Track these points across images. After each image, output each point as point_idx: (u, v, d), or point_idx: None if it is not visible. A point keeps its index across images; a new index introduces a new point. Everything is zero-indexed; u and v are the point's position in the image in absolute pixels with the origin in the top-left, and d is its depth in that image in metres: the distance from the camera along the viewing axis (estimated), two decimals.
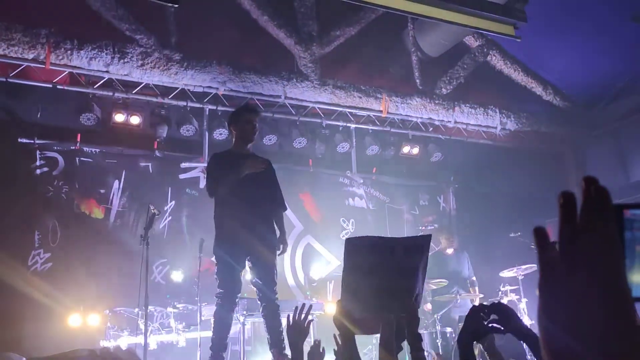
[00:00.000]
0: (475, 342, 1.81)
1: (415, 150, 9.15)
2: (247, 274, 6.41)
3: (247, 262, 5.17)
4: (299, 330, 2.79)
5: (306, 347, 2.94)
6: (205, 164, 8.21)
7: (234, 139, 5.33)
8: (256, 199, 5.07)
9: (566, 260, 0.51)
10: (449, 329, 7.35)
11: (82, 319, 6.49)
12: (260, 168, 4.99)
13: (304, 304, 2.88)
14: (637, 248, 0.53)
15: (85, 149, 7.48)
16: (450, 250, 8.34)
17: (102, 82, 7.23)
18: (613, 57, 7.87)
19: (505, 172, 9.18)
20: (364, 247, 2.55)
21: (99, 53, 6.75)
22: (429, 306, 7.78)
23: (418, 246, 2.69)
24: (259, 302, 5.16)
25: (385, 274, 2.53)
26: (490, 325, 1.76)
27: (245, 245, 5.02)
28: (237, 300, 5.13)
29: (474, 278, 8.22)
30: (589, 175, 0.53)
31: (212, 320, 5.12)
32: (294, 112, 8.39)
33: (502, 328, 1.73)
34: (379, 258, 2.52)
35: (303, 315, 2.80)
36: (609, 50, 7.75)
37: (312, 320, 2.88)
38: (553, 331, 0.51)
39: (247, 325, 6.87)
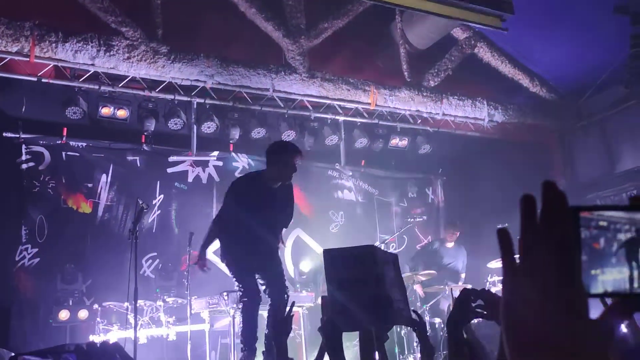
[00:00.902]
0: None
1: (404, 143, 9.18)
2: None
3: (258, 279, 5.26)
4: (283, 326, 2.80)
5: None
6: (194, 157, 8.20)
7: (271, 169, 5.14)
8: (270, 226, 5.17)
9: (526, 260, 0.55)
10: (437, 320, 7.42)
11: (70, 313, 6.46)
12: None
13: (286, 299, 2.89)
14: (594, 246, 0.57)
15: (71, 143, 7.41)
16: (451, 244, 8.42)
17: (87, 75, 7.16)
18: (597, 48, 7.94)
19: (493, 163, 9.24)
20: (341, 258, 2.61)
21: (85, 46, 6.68)
22: (420, 288, 7.81)
23: (389, 260, 2.76)
24: (268, 297, 5.22)
25: (365, 284, 2.57)
26: (476, 309, 1.80)
27: (255, 264, 5.13)
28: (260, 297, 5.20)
29: (464, 275, 8.32)
30: (548, 179, 0.57)
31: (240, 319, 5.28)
32: (282, 105, 8.38)
33: (485, 313, 1.78)
34: (358, 268, 2.57)
35: (286, 313, 2.81)
36: (593, 41, 7.81)
37: (293, 315, 2.89)
38: (514, 325, 0.55)
39: (237, 318, 6.88)
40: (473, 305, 1.81)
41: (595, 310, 0.58)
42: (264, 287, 5.21)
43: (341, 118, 8.83)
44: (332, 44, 8.28)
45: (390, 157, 9.54)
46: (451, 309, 1.96)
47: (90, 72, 7.13)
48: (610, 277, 0.57)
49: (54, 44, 6.52)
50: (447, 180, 10.18)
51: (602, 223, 0.57)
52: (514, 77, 9.22)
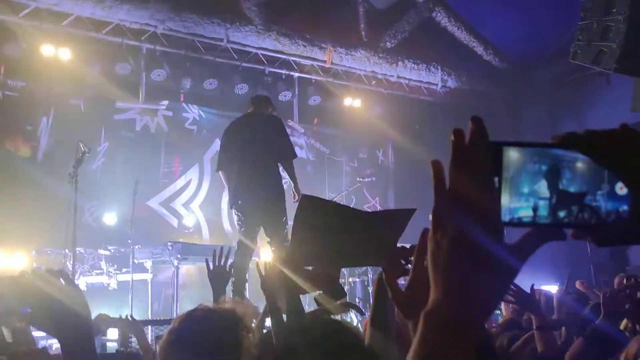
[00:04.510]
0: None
1: (357, 103, 9.19)
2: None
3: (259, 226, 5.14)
4: (220, 274, 2.79)
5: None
6: (143, 105, 7.96)
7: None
8: (259, 155, 5.04)
9: (452, 188, 0.60)
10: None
11: (6, 258, 6.25)
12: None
13: (222, 248, 2.87)
14: (508, 176, 0.61)
15: (9, 82, 7.03)
16: None
17: (28, 10, 6.74)
18: (549, 21, 8.09)
19: (443, 129, 9.39)
20: (324, 209, 2.52)
21: None
22: None
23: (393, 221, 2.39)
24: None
25: (347, 235, 2.50)
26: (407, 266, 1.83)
27: (256, 211, 4.99)
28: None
29: None
30: (476, 115, 0.61)
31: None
32: (236, 57, 8.19)
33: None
34: (342, 222, 2.49)
35: (223, 260, 2.80)
36: (545, 14, 7.95)
37: (232, 263, 2.88)
38: (438, 249, 0.60)
39: (182, 269, 6.86)
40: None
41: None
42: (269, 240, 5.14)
43: (296, 74, 8.73)
44: None
45: (343, 116, 9.54)
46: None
47: (32, 7, 6.71)
48: (518, 205, 0.61)
49: None
50: (398, 143, 10.29)
51: (519, 156, 0.61)
52: (468, 44, 9.32)
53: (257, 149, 5.03)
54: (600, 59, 5.22)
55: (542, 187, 0.60)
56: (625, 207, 0.59)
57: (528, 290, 2.63)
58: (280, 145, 5.15)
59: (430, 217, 0.62)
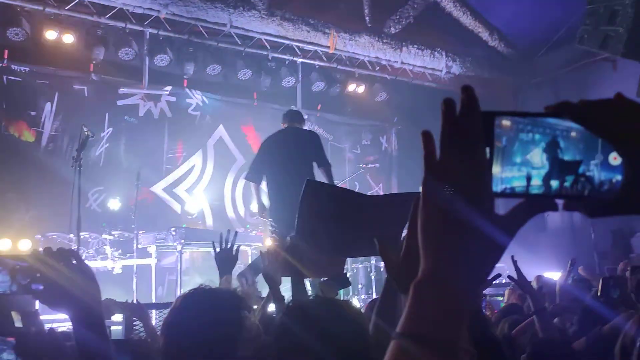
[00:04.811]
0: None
1: (361, 89, 9.15)
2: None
3: None
4: (226, 257, 2.79)
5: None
6: (146, 90, 7.94)
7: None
8: (301, 169, 5.17)
9: (442, 156, 0.60)
10: (383, 263, 7.64)
11: (12, 243, 6.30)
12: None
13: (228, 231, 2.86)
14: (497, 144, 0.60)
15: (13, 67, 7.02)
16: None
17: None
18: (555, 5, 8.01)
19: None
20: (327, 195, 2.51)
21: None
22: None
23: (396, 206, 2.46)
24: None
25: (351, 223, 2.50)
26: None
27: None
28: None
29: None
30: (466, 84, 0.60)
31: None
32: (239, 43, 8.15)
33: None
34: (345, 209, 2.49)
35: (229, 244, 2.80)
36: None
37: (239, 246, 2.88)
38: (428, 218, 0.60)
39: (186, 255, 6.89)
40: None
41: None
42: None
43: (299, 60, 8.68)
44: None
45: (346, 103, 9.51)
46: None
47: None
48: (510, 175, 0.60)
49: None
50: (402, 130, 10.27)
51: (511, 125, 0.60)
52: (474, 30, 9.23)
53: (298, 163, 5.25)
54: (608, 44, 5.17)
55: (535, 157, 0.60)
56: (618, 177, 0.58)
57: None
58: (320, 160, 5.46)
59: (420, 187, 0.61)
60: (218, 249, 2.81)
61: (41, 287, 1.17)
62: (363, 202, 2.67)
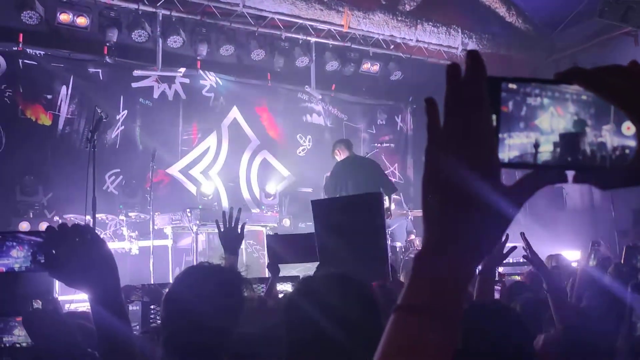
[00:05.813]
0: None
1: (375, 68, 9.04)
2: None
3: None
4: (231, 235, 2.75)
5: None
6: (160, 72, 7.94)
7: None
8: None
9: (447, 122, 0.57)
10: (398, 244, 7.61)
11: (31, 226, 6.39)
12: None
13: (231, 208, 2.80)
14: (503, 109, 0.57)
15: (28, 50, 7.06)
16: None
17: None
18: None
19: None
20: (328, 208, 2.77)
21: None
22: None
23: (369, 203, 2.90)
24: None
25: (354, 233, 2.68)
26: None
27: None
28: None
29: None
30: (472, 49, 0.58)
31: None
32: (252, 23, 8.08)
33: None
34: (344, 216, 2.69)
35: (234, 221, 2.75)
36: None
37: (245, 223, 2.84)
38: (438, 164, 0.57)
39: (202, 236, 6.94)
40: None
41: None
42: None
43: (313, 39, 8.60)
44: None
45: (361, 82, 9.42)
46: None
47: None
48: (518, 142, 0.57)
49: None
50: (417, 109, 10.15)
51: (519, 91, 0.57)
52: (490, 5, 9.03)
53: (364, 187, 5.83)
54: (629, 16, 5.02)
55: (544, 122, 0.56)
56: (632, 146, 0.55)
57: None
58: (384, 184, 6.19)
59: (423, 157, 0.58)
60: (222, 228, 2.77)
61: (56, 264, 1.16)
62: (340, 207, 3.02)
